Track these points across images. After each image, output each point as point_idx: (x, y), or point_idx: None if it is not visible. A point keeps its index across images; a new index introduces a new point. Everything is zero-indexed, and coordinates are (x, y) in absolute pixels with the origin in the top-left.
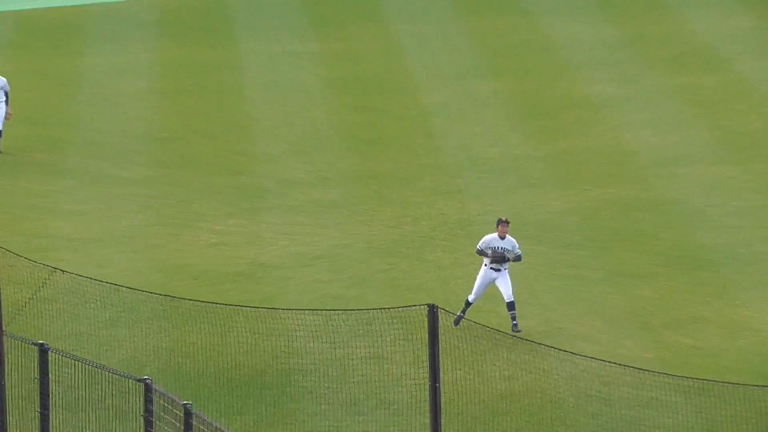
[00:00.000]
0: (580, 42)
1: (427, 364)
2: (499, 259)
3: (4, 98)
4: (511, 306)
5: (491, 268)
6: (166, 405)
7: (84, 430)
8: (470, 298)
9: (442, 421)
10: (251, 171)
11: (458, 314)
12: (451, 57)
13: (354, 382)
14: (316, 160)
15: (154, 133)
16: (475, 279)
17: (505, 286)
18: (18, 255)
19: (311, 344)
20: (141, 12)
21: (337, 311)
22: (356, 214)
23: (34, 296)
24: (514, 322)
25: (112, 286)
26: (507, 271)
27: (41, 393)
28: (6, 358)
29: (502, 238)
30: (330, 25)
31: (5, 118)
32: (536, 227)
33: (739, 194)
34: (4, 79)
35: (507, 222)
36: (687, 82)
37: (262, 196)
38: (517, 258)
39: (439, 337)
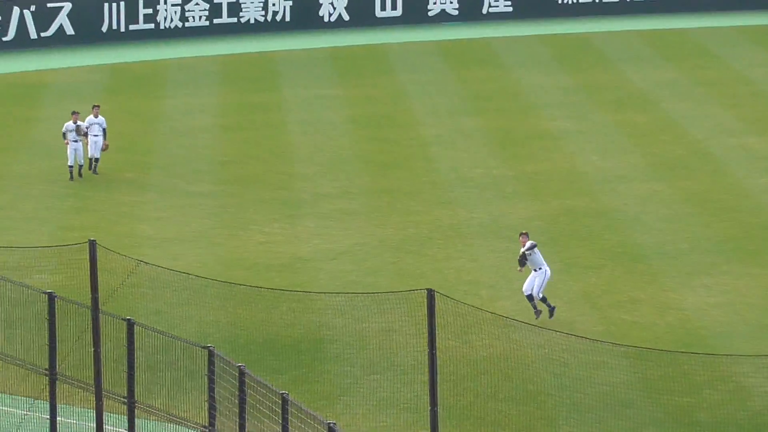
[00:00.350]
0: (543, 88)
1: (426, 335)
2: (521, 260)
3: (101, 133)
4: (529, 298)
5: (532, 269)
6: (225, 367)
7: (161, 386)
8: (530, 292)
9: (438, 379)
10: (291, 186)
11: (536, 309)
12: (444, 99)
13: (370, 349)
14: (341, 178)
15: (217, 157)
16: (464, 270)
17: (529, 283)
18: (111, 250)
19: (337, 320)
20: (208, 65)
21: (357, 294)
22: (372, 220)
23: (124, 283)
24: (535, 309)
25: (183, 274)
26: (543, 271)
27: (128, 358)
28: (102, 330)
29: (523, 246)
30: (352, 75)
31: (102, 149)
32: (509, 230)
33: (667, 205)
34: (103, 118)
35: (522, 233)
36: (625, 119)
37: (300, 206)
38: (522, 256)
39: (435, 314)
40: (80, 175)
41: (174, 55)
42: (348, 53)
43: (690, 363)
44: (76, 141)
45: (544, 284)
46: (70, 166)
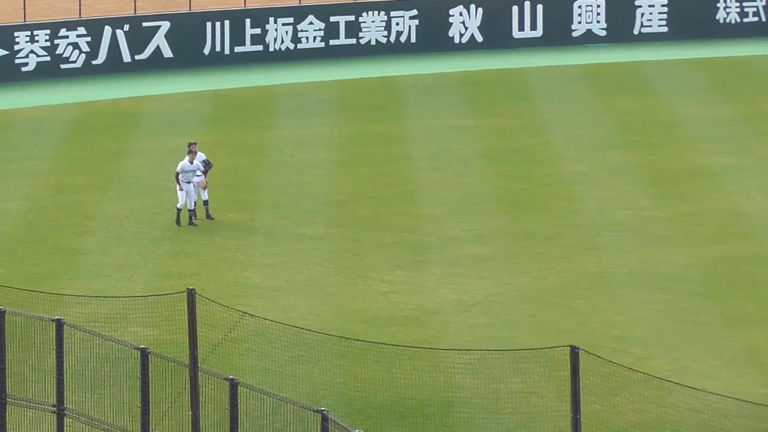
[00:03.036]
0: (700, 118)
1: (569, 398)
2: None
3: (202, 169)
4: None
5: None
6: None
7: None
8: None
9: None
10: (416, 229)
11: None
12: (588, 131)
13: (505, 413)
14: (472, 220)
15: (332, 196)
16: (612, 324)
17: None
18: (213, 301)
19: (468, 380)
20: (322, 91)
21: (490, 351)
22: (507, 267)
23: (227, 337)
24: None
25: (294, 328)
26: None
27: (231, 422)
28: (201, 391)
29: None
30: (483, 103)
31: (201, 186)
32: (662, 279)
33: None
34: (202, 155)
35: None
36: None
37: (426, 251)
38: None
39: (579, 374)
40: (191, 221)
41: (284, 81)
42: (481, 78)
43: None
44: (189, 183)
45: None
46: (179, 209)
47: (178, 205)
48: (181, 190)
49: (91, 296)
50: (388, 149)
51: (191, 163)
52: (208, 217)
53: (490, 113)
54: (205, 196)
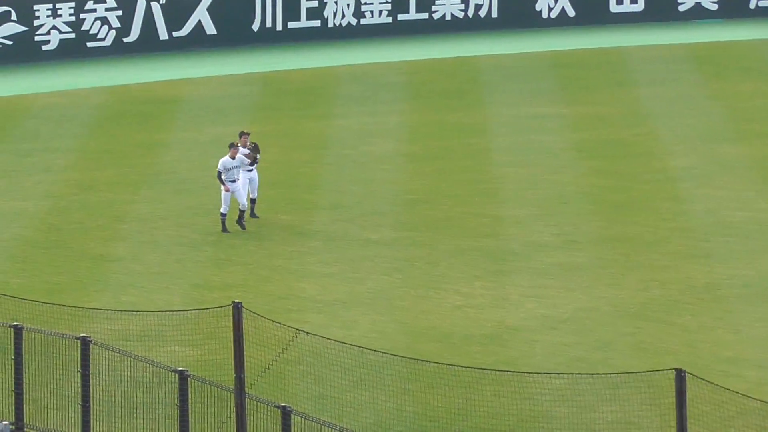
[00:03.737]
0: None
1: (674, 429)
2: None
3: (248, 162)
4: None
5: None
6: None
7: None
8: None
9: None
10: (497, 233)
11: None
12: (697, 121)
13: None
14: (561, 223)
15: (400, 195)
16: (724, 344)
17: None
18: (262, 316)
19: (557, 408)
20: (389, 74)
21: (582, 375)
22: (603, 277)
23: (278, 358)
24: None
25: (356, 348)
26: None
27: None
28: (248, 420)
29: None
30: (576, 88)
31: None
32: None
33: None
34: (247, 150)
35: None
36: None
37: (508, 259)
38: None
39: (686, 402)
40: (242, 226)
41: (346, 62)
42: (573, 60)
43: None
44: (234, 181)
45: None
46: (223, 214)
47: (222, 210)
48: (226, 191)
49: (121, 310)
50: (465, 141)
51: (233, 158)
52: (252, 214)
53: (583, 100)
54: (254, 193)
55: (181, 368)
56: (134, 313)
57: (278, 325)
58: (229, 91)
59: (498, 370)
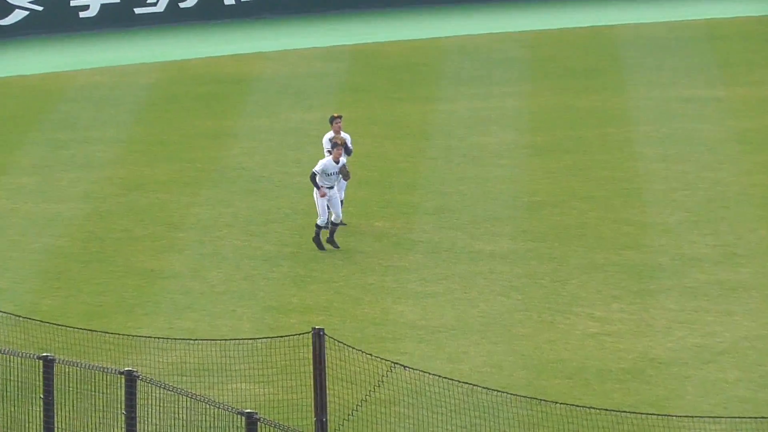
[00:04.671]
0: None
1: None
2: None
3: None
4: None
5: None
6: None
7: None
8: None
9: None
10: (641, 244)
11: None
12: None
13: None
14: (721, 232)
15: (521, 196)
16: None
17: None
18: (350, 346)
19: None
20: (508, 48)
21: (745, 419)
22: None
23: (369, 397)
24: None
25: (466, 385)
26: None
27: None
28: None
29: None
30: (738, 65)
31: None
32: None
33: None
34: (347, 136)
35: None
36: None
37: (654, 276)
38: None
39: None
40: (334, 244)
41: (454, 32)
42: (733, 30)
43: None
44: (332, 188)
45: None
46: (320, 226)
47: (319, 221)
48: (323, 196)
49: (176, 339)
50: (601, 131)
51: (336, 161)
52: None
53: (747, 80)
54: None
55: (249, 410)
56: (192, 341)
57: (370, 356)
58: (311, 69)
59: (641, 413)
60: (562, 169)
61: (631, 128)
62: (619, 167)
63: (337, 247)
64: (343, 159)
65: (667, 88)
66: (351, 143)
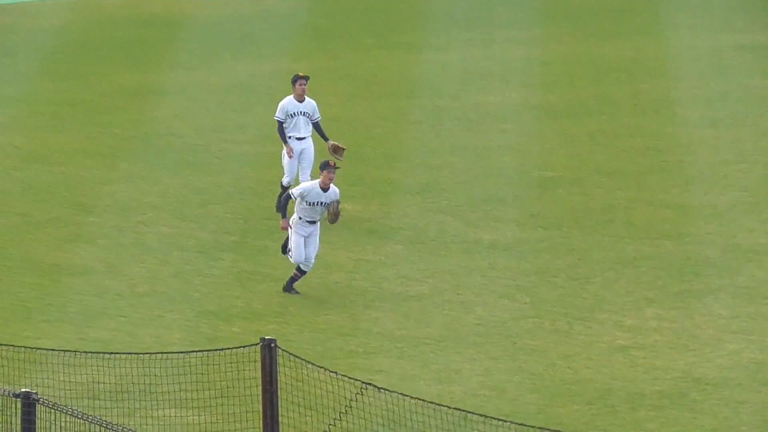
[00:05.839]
0: None
1: None
2: None
3: (309, 132)
4: None
5: None
6: None
7: None
8: None
9: None
10: (682, 233)
11: None
12: None
13: None
14: None
15: (530, 171)
16: None
17: None
18: (309, 362)
19: None
20: None
21: None
22: None
23: (332, 427)
24: None
25: (458, 412)
26: None
27: None
28: None
29: None
30: None
31: (335, 152)
32: None
33: None
34: (313, 103)
35: None
36: None
37: (700, 273)
38: None
39: None
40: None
41: None
42: None
43: None
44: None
45: None
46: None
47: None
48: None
49: (87, 352)
50: (633, 87)
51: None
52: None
53: None
54: (305, 172)
55: None
56: (108, 356)
57: (334, 375)
58: (260, 7)
59: None
60: (583, 136)
61: (670, 84)
62: (655, 135)
63: (297, 293)
64: (334, 188)
65: (717, 33)
66: (318, 111)
